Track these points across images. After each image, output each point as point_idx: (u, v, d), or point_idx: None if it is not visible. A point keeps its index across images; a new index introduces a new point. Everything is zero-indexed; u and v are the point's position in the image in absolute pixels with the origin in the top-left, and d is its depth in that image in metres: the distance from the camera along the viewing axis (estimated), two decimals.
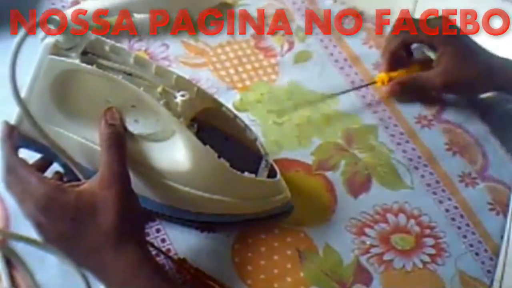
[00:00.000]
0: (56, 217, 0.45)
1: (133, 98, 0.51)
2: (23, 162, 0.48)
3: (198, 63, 0.67)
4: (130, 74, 0.48)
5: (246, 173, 0.51)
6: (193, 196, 0.51)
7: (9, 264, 0.50)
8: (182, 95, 0.48)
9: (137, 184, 0.52)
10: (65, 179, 0.54)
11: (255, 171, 0.52)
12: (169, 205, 0.52)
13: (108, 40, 0.49)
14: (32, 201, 0.45)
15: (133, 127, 0.52)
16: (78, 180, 0.51)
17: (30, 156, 0.52)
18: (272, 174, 0.54)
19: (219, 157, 0.49)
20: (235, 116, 0.54)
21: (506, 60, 0.67)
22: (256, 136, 0.54)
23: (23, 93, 0.48)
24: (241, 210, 0.52)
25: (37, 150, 0.52)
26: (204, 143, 0.48)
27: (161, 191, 0.52)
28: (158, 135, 0.52)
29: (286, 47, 0.71)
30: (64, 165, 0.52)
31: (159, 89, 0.48)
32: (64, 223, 0.45)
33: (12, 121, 0.50)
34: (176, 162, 0.50)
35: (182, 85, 0.49)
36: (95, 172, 0.51)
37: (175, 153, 0.50)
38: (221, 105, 0.53)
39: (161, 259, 0.53)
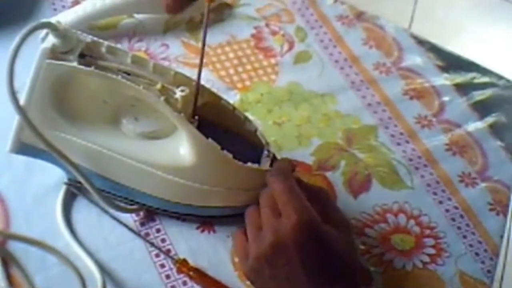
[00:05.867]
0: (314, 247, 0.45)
1: (132, 97, 0.51)
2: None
3: (198, 63, 0.67)
4: (128, 74, 0.48)
5: (249, 164, 0.51)
6: (197, 190, 0.51)
7: (6, 265, 0.50)
8: (182, 91, 0.48)
9: (140, 181, 0.52)
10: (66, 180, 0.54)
11: (257, 161, 0.52)
12: (173, 201, 0.52)
13: (104, 41, 0.49)
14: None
15: (134, 126, 0.52)
16: (81, 184, 0.52)
17: (30, 162, 0.53)
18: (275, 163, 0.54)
19: (221, 149, 0.49)
20: (234, 109, 0.54)
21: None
22: (256, 127, 0.54)
23: (21, 100, 0.48)
24: (245, 201, 0.52)
25: (38, 156, 0.52)
26: (206, 137, 0.49)
27: (165, 187, 0.52)
28: (159, 132, 0.52)
29: (286, 47, 0.71)
30: (66, 170, 0.52)
31: (158, 86, 0.48)
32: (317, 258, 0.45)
33: (12, 130, 0.50)
34: (180, 158, 0.50)
35: (181, 81, 0.50)
36: (98, 174, 0.51)
37: (178, 149, 0.50)
38: (220, 98, 0.53)
39: (161, 259, 0.53)
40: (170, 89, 0.49)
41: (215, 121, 0.52)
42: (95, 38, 0.49)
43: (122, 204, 0.54)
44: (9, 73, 0.45)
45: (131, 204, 0.54)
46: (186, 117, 0.48)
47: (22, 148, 0.51)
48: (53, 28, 0.46)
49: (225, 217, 0.54)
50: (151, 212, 0.55)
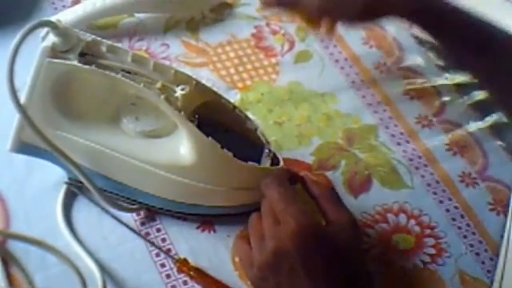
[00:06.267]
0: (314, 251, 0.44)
1: (132, 96, 0.51)
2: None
3: (198, 63, 0.67)
4: (128, 72, 0.48)
5: (249, 163, 0.51)
6: (197, 189, 0.51)
7: (6, 264, 0.50)
8: (182, 89, 0.48)
9: (140, 180, 0.52)
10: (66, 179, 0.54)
11: (257, 160, 0.52)
12: (174, 200, 0.52)
13: (104, 40, 0.49)
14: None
15: (134, 125, 0.52)
16: (82, 183, 0.52)
17: (30, 161, 0.53)
18: (275, 162, 0.54)
19: (222, 148, 0.49)
20: (235, 107, 0.54)
21: None
22: (257, 126, 0.54)
23: (22, 99, 0.48)
24: (246, 200, 0.52)
25: (38, 155, 0.52)
26: (207, 136, 0.49)
27: (166, 186, 0.52)
28: (159, 131, 0.52)
29: (286, 46, 0.71)
30: (67, 169, 0.52)
31: (159, 85, 0.48)
32: (322, 257, 0.44)
33: (13, 129, 0.50)
34: (180, 156, 0.50)
35: (181, 79, 0.50)
36: (99, 173, 0.51)
37: (178, 147, 0.50)
38: (220, 97, 0.53)
39: (161, 258, 0.53)
40: (170, 87, 0.49)
41: (215, 120, 0.52)
42: (95, 37, 0.49)
43: (124, 204, 0.54)
44: (9, 72, 0.45)
45: (132, 204, 0.54)
46: (186, 116, 0.48)
47: (22, 147, 0.51)
48: (53, 26, 0.46)
49: (225, 216, 0.54)
50: (152, 211, 0.55)
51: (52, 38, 0.47)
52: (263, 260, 0.45)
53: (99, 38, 0.49)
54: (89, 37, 0.48)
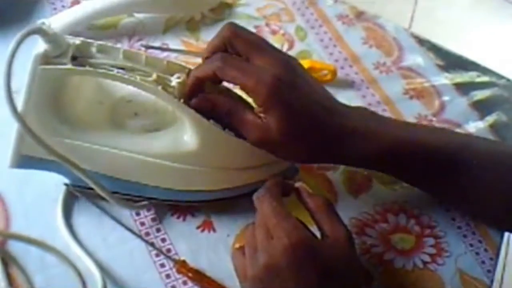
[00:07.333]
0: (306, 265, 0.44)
1: (128, 92, 0.51)
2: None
3: (198, 63, 0.67)
4: (122, 69, 0.48)
5: None
6: (204, 174, 0.51)
7: (6, 265, 0.50)
8: (178, 78, 0.49)
9: (147, 175, 0.52)
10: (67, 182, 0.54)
11: None
12: (181, 189, 0.53)
13: (93, 41, 0.49)
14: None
15: (134, 121, 0.52)
16: (88, 189, 0.52)
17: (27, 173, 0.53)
18: None
19: (223, 129, 0.49)
20: (229, 90, 0.54)
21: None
22: (252, 105, 0.54)
23: (19, 108, 0.47)
24: (249, 179, 0.52)
25: (40, 167, 0.52)
26: (207, 119, 0.49)
27: (172, 176, 0.52)
28: (159, 123, 0.53)
29: (286, 46, 0.71)
30: (70, 176, 0.52)
31: (154, 77, 0.48)
32: (312, 273, 0.44)
33: (12, 140, 0.50)
34: (183, 144, 0.50)
35: (175, 69, 0.50)
36: (104, 175, 0.52)
37: (180, 136, 0.51)
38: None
39: (161, 258, 0.53)
40: (165, 77, 0.49)
41: None
42: (84, 39, 0.49)
43: (134, 204, 0.54)
44: (7, 84, 0.45)
45: (140, 201, 0.54)
46: (185, 103, 0.49)
47: (23, 161, 0.51)
48: (43, 33, 0.46)
49: (233, 200, 0.54)
50: (152, 211, 0.55)
51: (43, 45, 0.47)
52: (255, 274, 0.45)
53: (88, 40, 0.49)
54: (78, 39, 0.48)
